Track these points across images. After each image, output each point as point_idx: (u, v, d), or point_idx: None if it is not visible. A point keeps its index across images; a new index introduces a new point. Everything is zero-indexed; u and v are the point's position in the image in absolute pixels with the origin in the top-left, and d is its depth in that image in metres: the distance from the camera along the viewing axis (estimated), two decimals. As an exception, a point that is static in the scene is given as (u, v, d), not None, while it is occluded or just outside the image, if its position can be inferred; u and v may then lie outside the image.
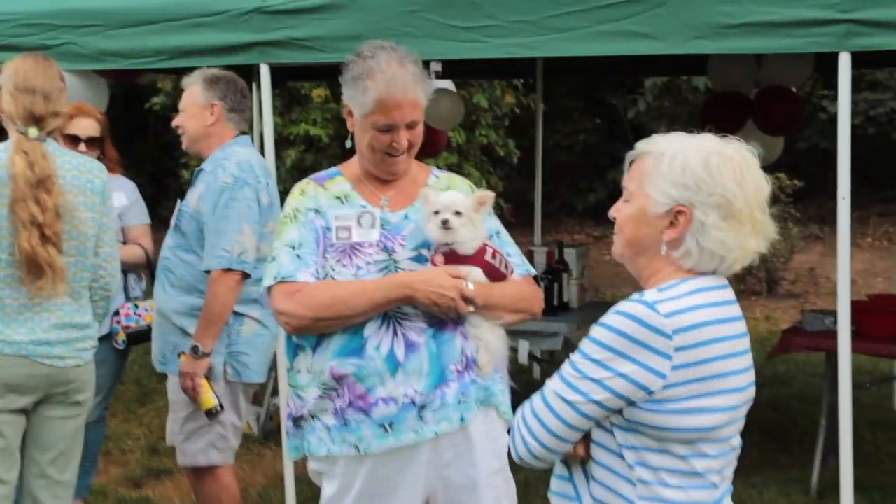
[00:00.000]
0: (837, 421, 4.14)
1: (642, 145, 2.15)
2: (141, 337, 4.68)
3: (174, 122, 4.22)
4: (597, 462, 2.13)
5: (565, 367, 2.11)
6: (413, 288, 2.73)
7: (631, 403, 2.04)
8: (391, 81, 2.77)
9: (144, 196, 4.99)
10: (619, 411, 2.07)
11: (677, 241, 2.09)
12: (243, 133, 4.16)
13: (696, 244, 2.07)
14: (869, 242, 12.41)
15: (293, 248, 2.82)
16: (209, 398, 3.85)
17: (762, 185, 2.10)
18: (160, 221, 5.04)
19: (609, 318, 2.06)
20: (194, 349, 3.83)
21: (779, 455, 5.78)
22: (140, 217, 4.88)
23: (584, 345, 2.08)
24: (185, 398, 3.94)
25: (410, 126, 2.84)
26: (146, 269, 4.84)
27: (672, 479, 2.08)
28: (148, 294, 4.85)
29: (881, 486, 5.30)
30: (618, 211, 2.19)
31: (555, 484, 2.25)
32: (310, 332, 2.80)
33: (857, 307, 4.83)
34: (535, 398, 2.15)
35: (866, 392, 6.79)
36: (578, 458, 2.16)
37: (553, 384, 2.12)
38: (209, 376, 3.89)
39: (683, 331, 2.02)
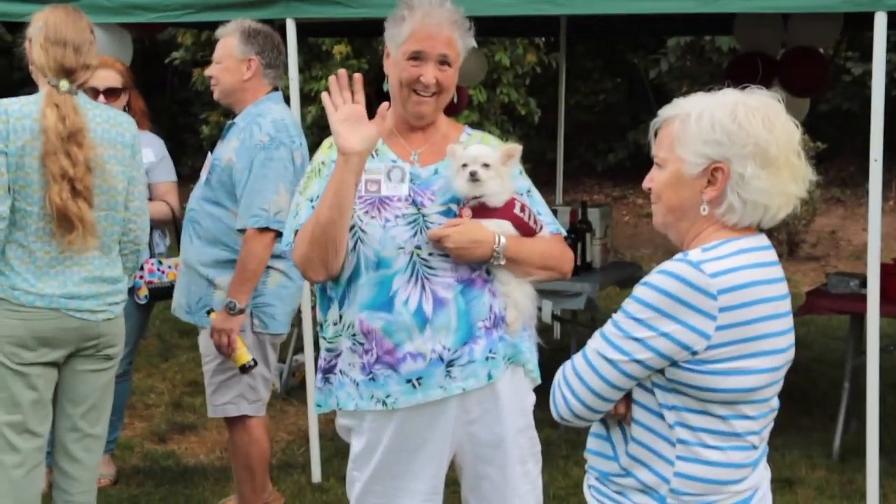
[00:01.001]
0: (860, 384, 4.14)
1: (666, 111, 2.13)
2: (163, 293, 4.71)
3: (207, 72, 4.19)
4: (636, 421, 2.13)
5: (608, 327, 2.10)
6: (342, 152, 2.69)
7: (673, 363, 2.04)
8: (427, 14, 2.80)
9: (165, 152, 4.97)
10: (661, 371, 2.06)
11: (718, 199, 2.06)
12: (275, 89, 4.13)
13: (737, 198, 2.05)
14: (891, 206, 12.33)
15: (312, 200, 2.83)
16: (243, 353, 3.89)
17: (792, 130, 2.08)
18: (178, 177, 5.04)
19: (653, 277, 2.05)
20: (229, 305, 3.85)
21: (800, 418, 5.78)
22: (167, 174, 4.88)
23: (628, 304, 2.07)
24: (214, 351, 3.97)
25: (441, 63, 2.83)
26: (171, 225, 4.85)
27: (711, 439, 2.07)
28: (172, 251, 4.88)
29: (904, 450, 5.30)
30: (652, 180, 2.16)
31: (592, 442, 2.25)
32: (320, 268, 2.76)
33: (882, 270, 4.80)
34: (577, 357, 2.14)
35: (888, 355, 6.77)
36: (618, 418, 2.15)
37: (595, 343, 2.11)
38: None
39: (728, 291, 2.00)
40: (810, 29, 6.35)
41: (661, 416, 2.09)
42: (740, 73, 6.84)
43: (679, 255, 2.06)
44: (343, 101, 2.72)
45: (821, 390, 6.40)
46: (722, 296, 2.00)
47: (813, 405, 6.06)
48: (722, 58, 12.05)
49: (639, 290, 2.05)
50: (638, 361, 2.04)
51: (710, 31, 10.06)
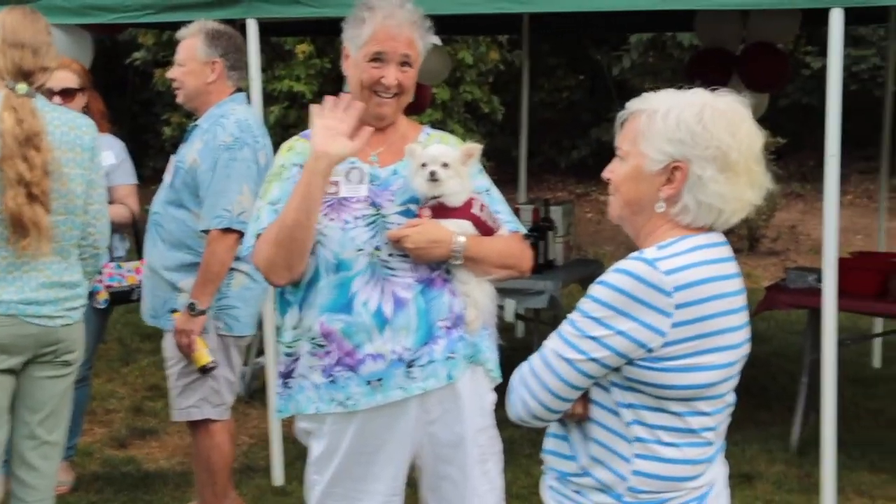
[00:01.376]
0: (818, 378, 4.19)
1: (634, 104, 2.14)
2: (123, 297, 4.69)
3: (169, 75, 4.15)
4: (594, 421, 2.13)
5: (564, 326, 2.10)
6: (314, 151, 2.69)
7: (630, 361, 2.05)
8: (389, 15, 2.80)
9: (124, 153, 4.94)
10: (618, 369, 2.07)
11: (674, 197, 2.08)
12: (239, 90, 4.11)
13: (693, 199, 2.07)
14: (849, 200, 12.47)
15: (273, 204, 2.82)
16: (203, 355, 3.90)
17: (755, 136, 2.10)
18: (139, 179, 5.01)
19: (609, 275, 2.06)
20: (191, 306, 3.84)
21: (759, 412, 5.83)
22: (127, 177, 4.84)
23: (584, 303, 2.07)
24: (179, 354, 3.96)
25: (403, 64, 2.83)
26: (131, 229, 4.82)
27: (668, 436, 2.09)
28: (132, 255, 4.84)
29: (860, 443, 5.37)
30: (612, 172, 2.17)
31: (549, 443, 2.26)
32: (283, 271, 2.75)
33: (840, 265, 4.84)
34: (534, 358, 2.15)
35: (846, 349, 6.85)
36: (576, 418, 2.16)
37: (552, 343, 2.11)
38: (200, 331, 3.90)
39: (683, 288, 2.02)
40: (769, 24, 6.41)
41: (618, 415, 2.10)
42: (701, 68, 6.90)
43: (635, 254, 2.07)
44: (333, 115, 2.73)
45: (780, 385, 6.46)
46: (677, 293, 2.01)
47: (772, 399, 6.12)
48: (684, 53, 12.13)
49: (595, 289, 2.06)
50: (595, 360, 2.04)
51: (671, 27, 10.13)
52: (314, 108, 2.76)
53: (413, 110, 8.69)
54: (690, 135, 2.03)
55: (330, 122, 2.73)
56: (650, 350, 2.02)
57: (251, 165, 3.87)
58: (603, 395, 2.11)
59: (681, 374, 2.04)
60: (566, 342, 2.07)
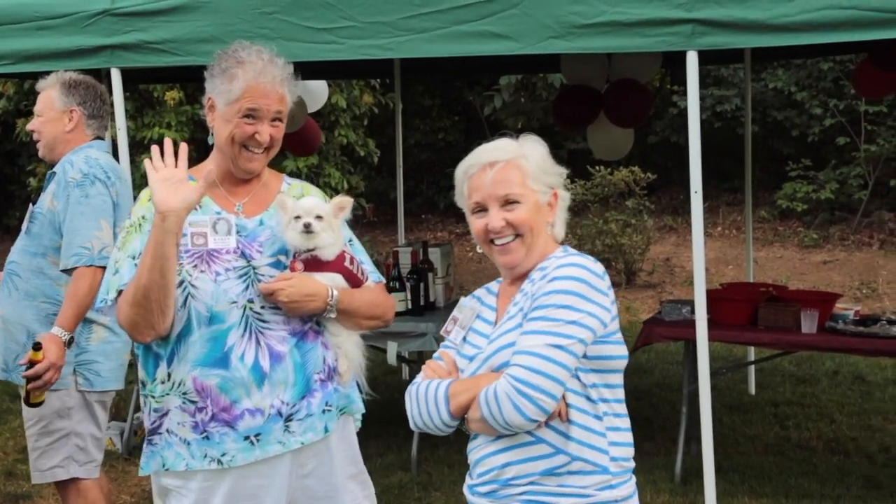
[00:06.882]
0: (698, 408, 4.27)
1: (490, 155, 2.43)
2: None
3: (29, 127, 4.09)
4: (573, 407, 2.31)
5: (539, 324, 2.27)
6: (159, 210, 2.62)
7: (594, 340, 2.30)
8: (261, 72, 2.78)
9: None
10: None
11: (554, 219, 2.46)
12: (99, 137, 4.03)
13: (559, 218, 2.48)
14: (719, 231, 12.86)
15: (134, 258, 2.74)
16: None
17: None
18: (5, 231, 4.82)
19: (560, 271, 2.31)
20: (72, 339, 3.73)
21: (643, 443, 5.89)
22: None
23: (550, 298, 2.28)
24: (37, 413, 3.82)
25: (274, 120, 2.81)
26: None
27: (619, 407, 2.38)
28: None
29: (740, 469, 5.50)
30: (508, 218, 2.39)
31: (517, 454, 2.32)
32: (147, 329, 2.67)
33: (711, 296, 4.97)
34: (525, 359, 2.25)
35: (723, 378, 7.03)
36: (557, 409, 2.28)
37: (535, 341, 2.25)
38: (58, 386, 3.78)
39: (606, 275, 2.39)
40: (632, 64, 6.60)
41: (589, 397, 2.32)
42: (568, 106, 7.06)
43: (558, 252, 2.40)
44: (165, 165, 2.68)
45: (662, 415, 6.58)
46: (605, 276, 2.37)
47: (655, 430, 6.22)
48: (553, 93, 12.37)
49: (555, 284, 2.29)
50: (581, 341, 2.27)
51: (540, 69, 10.32)
52: (146, 164, 2.69)
53: (304, 151, 8.60)
54: (553, 167, 2.45)
55: (166, 173, 2.67)
56: (605, 326, 2.31)
57: (106, 200, 3.78)
58: (574, 383, 2.30)
59: (618, 346, 2.35)
60: (552, 333, 2.25)
